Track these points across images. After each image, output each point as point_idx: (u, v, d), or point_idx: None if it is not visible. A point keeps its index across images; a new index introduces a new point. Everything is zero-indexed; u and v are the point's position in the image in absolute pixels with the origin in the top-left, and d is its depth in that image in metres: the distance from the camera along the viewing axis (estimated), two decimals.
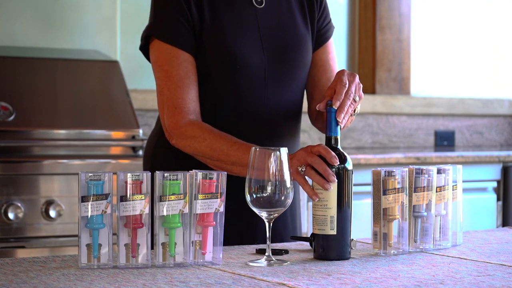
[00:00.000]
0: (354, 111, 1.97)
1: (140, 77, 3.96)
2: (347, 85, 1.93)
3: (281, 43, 2.19)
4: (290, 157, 1.81)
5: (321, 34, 2.30)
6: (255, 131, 2.17)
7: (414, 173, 1.92)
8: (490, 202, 4.19)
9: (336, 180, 1.80)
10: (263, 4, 2.20)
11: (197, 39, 2.15)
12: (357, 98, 1.95)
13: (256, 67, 2.16)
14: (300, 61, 2.22)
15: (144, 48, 2.20)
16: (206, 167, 2.09)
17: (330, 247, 1.81)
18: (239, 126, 2.16)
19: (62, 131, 3.29)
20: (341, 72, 1.97)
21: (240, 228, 2.18)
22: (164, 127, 2.16)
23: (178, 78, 2.13)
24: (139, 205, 1.68)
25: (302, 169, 1.85)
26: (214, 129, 2.11)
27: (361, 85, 1.99)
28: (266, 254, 1.76)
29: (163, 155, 2.25)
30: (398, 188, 1.88)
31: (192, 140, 2.10)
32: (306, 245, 2.01)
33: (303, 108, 2.30)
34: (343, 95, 1.91)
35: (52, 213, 3.12)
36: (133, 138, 3.35)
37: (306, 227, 3.56)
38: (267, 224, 1.76)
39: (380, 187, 1.86)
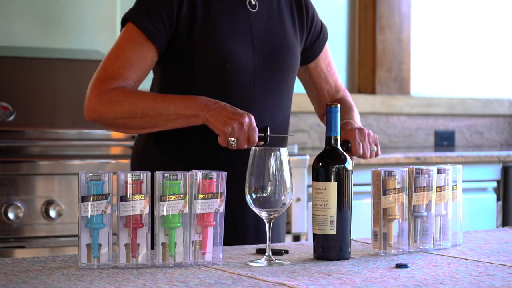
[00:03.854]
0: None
1: None
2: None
3: (272, 47, 2.21)
4: (220, 125, 1.96)
5: (316, 45, 2.34)
6: None
7: (414, 173, 1.92)
8: (490, 202, 4.19)
9: (337, 182, 1.81)
10: (257, 8, 2.21)
11: (186, 38, 2.13)
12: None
13: (246, 68, 2.16)
14: (288, 65, 2.24)
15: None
16: (196, 167, 1.93)
17: (330, 247, 1.81)
18: None
19: (62, 131, 3.29)
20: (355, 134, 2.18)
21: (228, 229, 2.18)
22: (85, 101, 2.06)
23: (128, 59, 2.08)
24: (139, 205, 1.68)
25: (233, 144, 1.98)
26: (139, 90, 2.05)
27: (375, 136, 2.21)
28: (266, 254, 1.76)
29: (150, 156, 2.24)
30: (398, 188, 1.88)
31: (115, 103, 2.03)
32: (306, 245, 2.01)
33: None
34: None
35: (52, 213, 3.11)
36: (133, 138, 3.35)
37: (306, 227, 3.55)
38: (267, 224, 1.76)
39: (380, 187, 1.86)
